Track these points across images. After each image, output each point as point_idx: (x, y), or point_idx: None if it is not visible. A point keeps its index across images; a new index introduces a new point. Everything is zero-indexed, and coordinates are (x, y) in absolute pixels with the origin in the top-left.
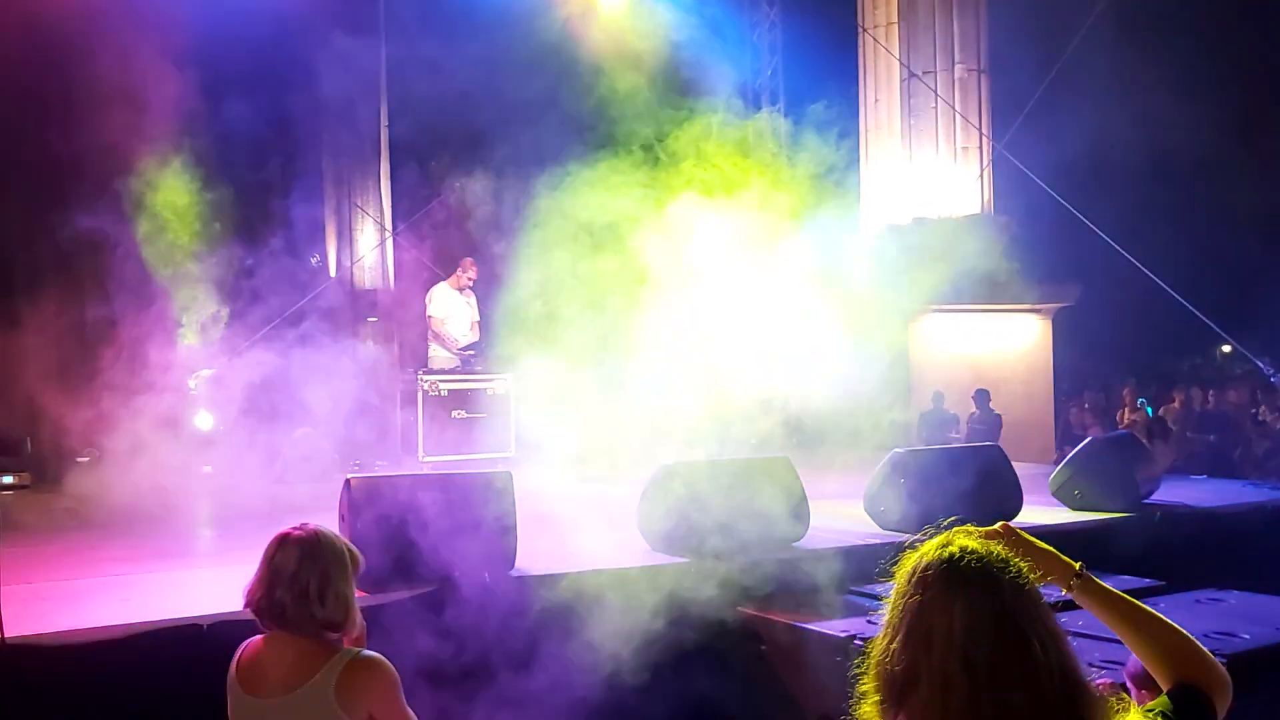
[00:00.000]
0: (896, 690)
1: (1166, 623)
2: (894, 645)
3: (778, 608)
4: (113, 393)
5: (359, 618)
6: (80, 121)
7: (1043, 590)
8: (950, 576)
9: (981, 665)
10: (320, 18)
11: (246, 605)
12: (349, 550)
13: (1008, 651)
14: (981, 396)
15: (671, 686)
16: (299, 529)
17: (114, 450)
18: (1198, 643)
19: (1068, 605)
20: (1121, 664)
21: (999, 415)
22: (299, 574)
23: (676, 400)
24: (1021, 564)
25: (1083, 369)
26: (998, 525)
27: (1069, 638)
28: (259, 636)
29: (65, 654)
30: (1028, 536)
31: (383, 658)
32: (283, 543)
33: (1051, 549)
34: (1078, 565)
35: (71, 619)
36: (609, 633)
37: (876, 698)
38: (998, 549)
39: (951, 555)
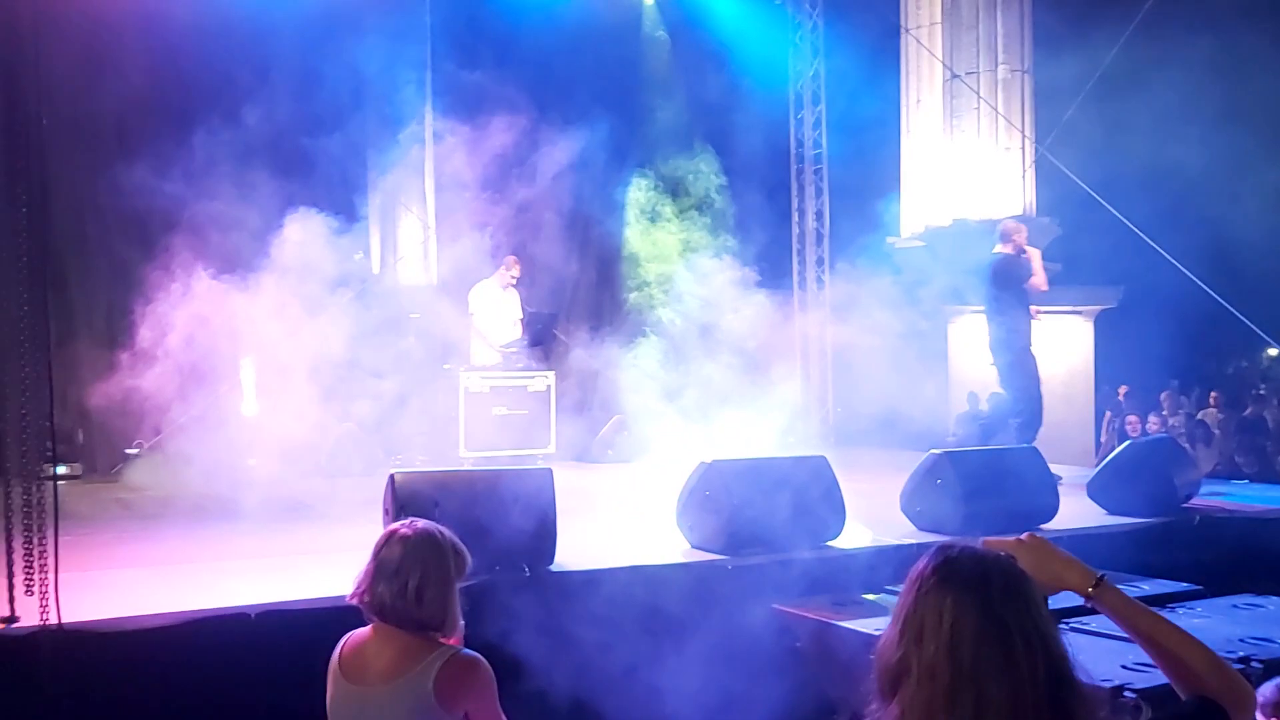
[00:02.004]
0: (891, 681)
1: (1185, 635)
2: (891, 639)
3: (812, 606)
4: (162, 384)
5: (459, 618)
6: (130, 116)
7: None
8: (944, 575)
9: (965, 660)
10: (365, 12)
11: (353, 596)
12: (455, 551)
13: (990, 649)
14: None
15: (705, 683)
16: (408, 526)
17: (164, 442)
18: (1218, 657)
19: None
20: (1154, 668)
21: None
22: (401, 570)
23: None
24: (1024, 569)
25: (1125, 372)
26: (1024, 535)
27: (1064, 641)
28: (365, 627)
29: (119, 640)
30: (1051, 546)
31: (481, 658)
32: (390, 539)
33: (1074, 559)
34: (1097, 575)
35: (125, 606)
36: (645, 628)
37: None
38: (1000, 554)
39: (948, 556)
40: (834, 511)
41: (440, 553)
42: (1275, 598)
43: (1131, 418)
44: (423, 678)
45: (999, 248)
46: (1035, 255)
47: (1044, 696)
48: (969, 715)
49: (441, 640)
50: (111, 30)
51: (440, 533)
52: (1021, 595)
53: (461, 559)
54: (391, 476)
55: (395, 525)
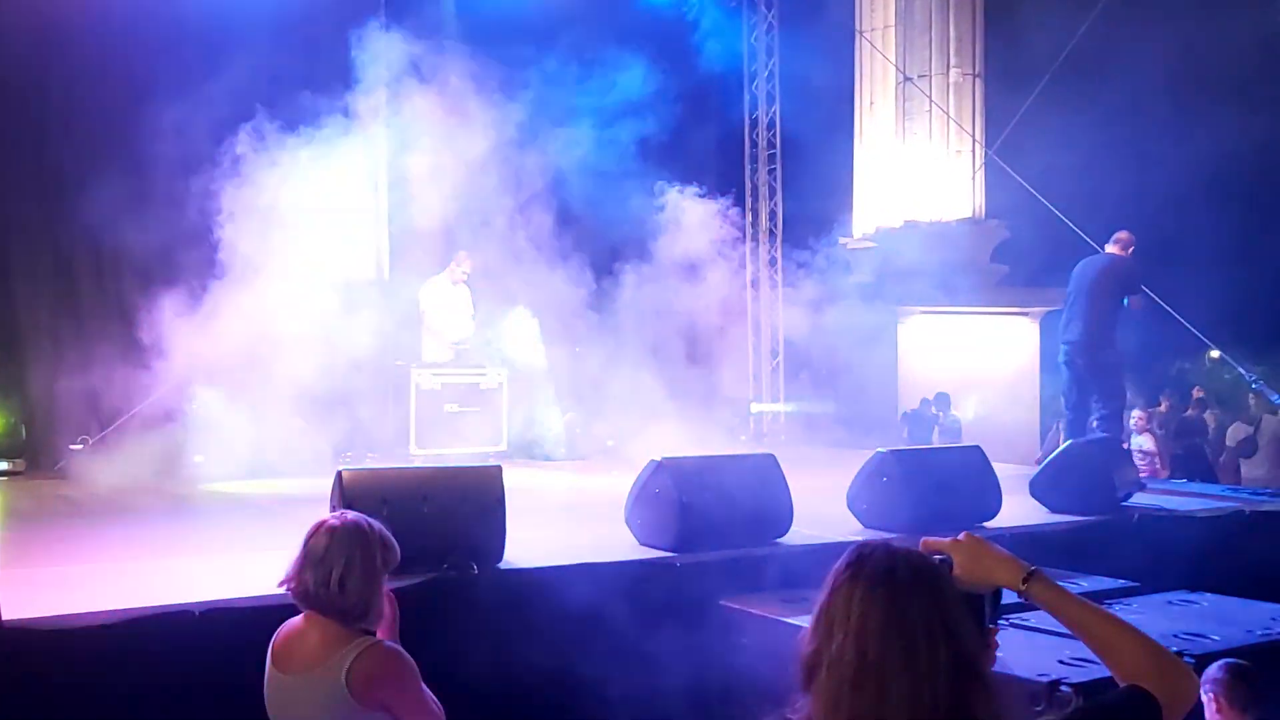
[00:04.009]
0: (807, 673)
1: (1118, 623)
2: (807, 633)
3: (759, 602)
4: (107, 380)
5: (385, 609)
6: (83, 114)
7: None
8: (855, 570)
9: (870, 651)
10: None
11: (282, 583)
12: (383, 543)
13: (894, 641)
14: (942, 400)
15: (653, 679)
16: (337, 517)
17: (109, 438)
18: (1155, 643)
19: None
20: (1092, 662)
21: (958, 418)
22: (326, 559)
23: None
24: (958, 567)
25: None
26: (960, 535)
27: (981, 637)
28: (300, 615)
29: (61, 638)
30: (986, 544)
31: (399, 649)
32: (318, 529)
33: (1009, 555)
34: (1029, 569)
35: (67, 604)
36: (593, 626)
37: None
38: (914, 551)
39: (861, 553)
40: (782, 509)
41: (366, 544)
42: (1208, 594)
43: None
44: (337, 669)
45: (1110, 248)
46: None
47: (945, 690)
48: (871, 705)
49: (366, 631)
50: (58, 28)
51: (369, 524)
52: (930, 590)
53: (390, 552)
54: (339, 474)
55: (326, 516)
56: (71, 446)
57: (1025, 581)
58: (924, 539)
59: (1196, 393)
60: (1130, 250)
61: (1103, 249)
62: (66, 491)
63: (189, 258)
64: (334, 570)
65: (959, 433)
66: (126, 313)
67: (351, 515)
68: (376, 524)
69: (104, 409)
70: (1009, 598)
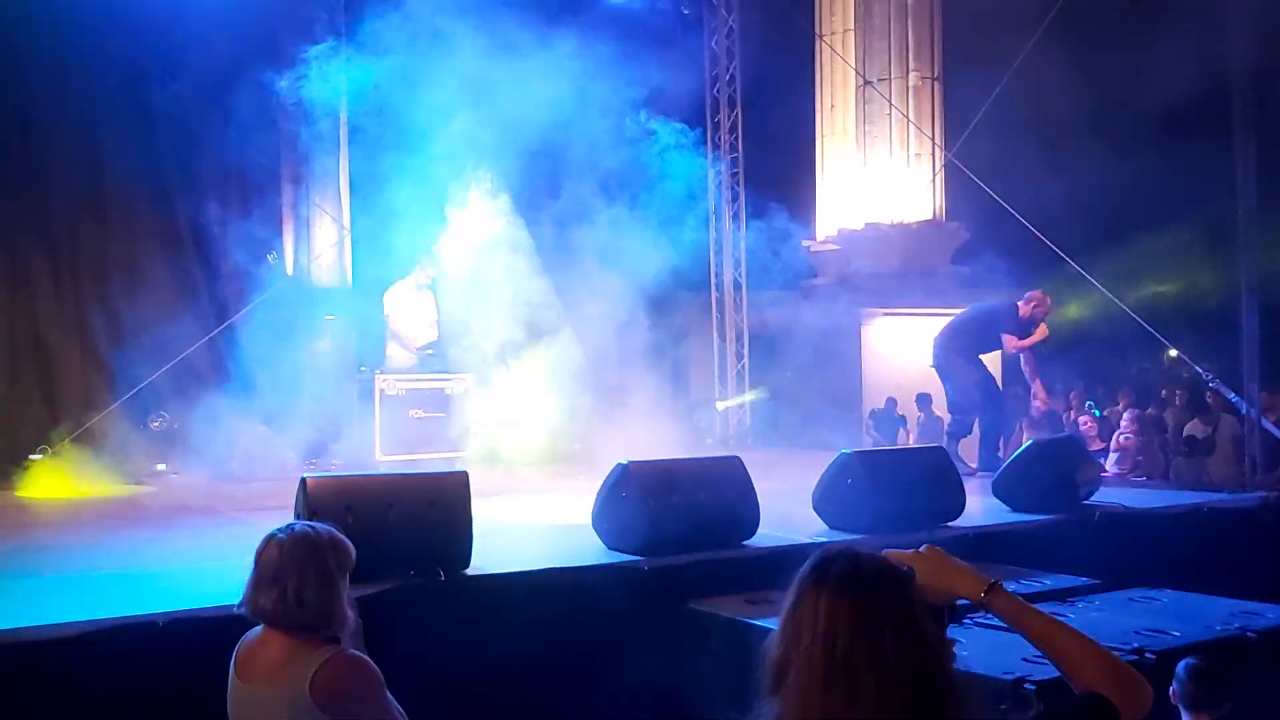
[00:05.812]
0: (775, 677)
1: (1076, 635)
2: (774, 637)
3: (727, 604)
4: (67, 387)
5: (346, 618)
6: (33, 111)
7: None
8: (821, 574)
9: (839, 651)
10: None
11: (239, 606)
12: (334, 547)
13: (862, 642)
14: (924, 401)
15: (621, 682)
16: (284, 530)
17: (70, 446)
18: (1110, 654)
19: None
20: None
21: (940, 418)
22: (279, 575)
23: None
24: (920, 577)
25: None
26: (923, 547)
27: (943, 637)
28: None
29: (21, 650)
30: (946, 556)
31: (362, 658)
32: (267, 545)
33: (969, 567)
34: (989, 581)
35: (27, 616)
36: (561, 631)
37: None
38: (878, 555)
39: (826, 557)
40: (749, 511)
41: (318, 552)
42: (1169, 590)
43: (1084, 418)
44: (300, 680)
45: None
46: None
47: (913, 688)
48: (841, 703)
49: (331, 639)
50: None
51: (315, 531)
52: (893, 591)
53: (343, 554)
54: (303, 480)
55: (273, 531)
56: (31, 455)
57: (985, 593)
58: (886, 550)
59: (1164, 392)
60: (1039, 309)
61: (1060, 250)
62: (26, 500)
63: (150, 264)
64: (289, 586)
65: (940, 433)
66: (86, 319)
67: (299, 526)
68: (323, 528)
69: (64, 416)
70: None
